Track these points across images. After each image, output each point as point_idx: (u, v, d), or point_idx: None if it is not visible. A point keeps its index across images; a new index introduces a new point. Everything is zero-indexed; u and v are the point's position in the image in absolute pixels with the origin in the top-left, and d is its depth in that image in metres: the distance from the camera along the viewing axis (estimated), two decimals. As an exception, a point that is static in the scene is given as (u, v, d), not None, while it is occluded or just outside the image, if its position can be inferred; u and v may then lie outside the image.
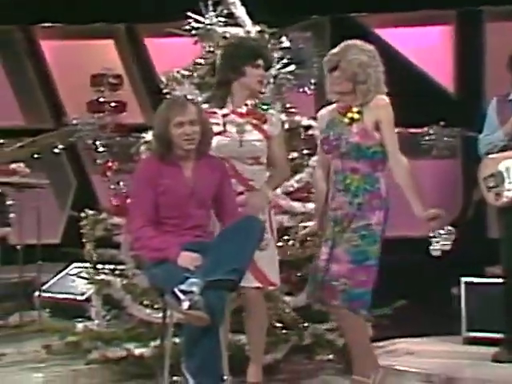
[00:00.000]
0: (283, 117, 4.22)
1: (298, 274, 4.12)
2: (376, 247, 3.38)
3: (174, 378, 3.49)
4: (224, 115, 3.54)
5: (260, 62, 3.53)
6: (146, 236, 3.23)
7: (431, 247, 3.29)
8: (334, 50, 3.45)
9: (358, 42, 3.46)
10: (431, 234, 3.29)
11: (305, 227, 3.71)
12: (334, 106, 3.52)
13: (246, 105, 3.56)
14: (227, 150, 3.48)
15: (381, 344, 4.38)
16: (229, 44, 3.83)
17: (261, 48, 3.64)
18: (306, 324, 3.98)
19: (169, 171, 3.31)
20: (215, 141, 3.44)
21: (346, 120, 3.42)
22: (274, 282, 3.55)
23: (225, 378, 3.24)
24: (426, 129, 6.75)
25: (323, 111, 3.57)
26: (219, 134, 3.47)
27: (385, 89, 3.46)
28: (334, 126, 3.47)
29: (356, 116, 3.41)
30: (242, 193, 3.48)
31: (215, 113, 3.54)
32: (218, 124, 3.49)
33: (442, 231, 3.28)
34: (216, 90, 3.67)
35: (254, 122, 3.54)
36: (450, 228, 3.29)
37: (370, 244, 3.37)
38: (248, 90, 3.56)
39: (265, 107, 3.61)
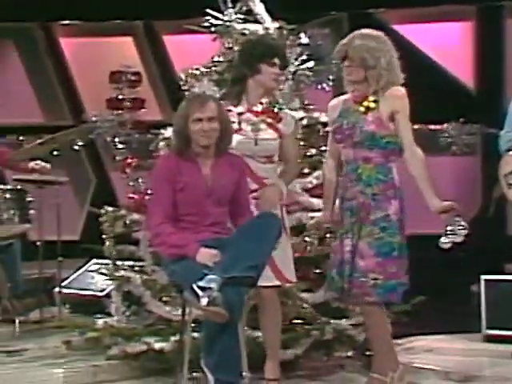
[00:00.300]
0: (301, 113, 4.23)
1: (317, 271, 4.12)
2: (398, 238, 3.37)
3: (194, 374, 3.50)
4: (239, 113, 3.55)
5: (276, 60, 3.54)
6: (165, 233, 3.25)
7: (441, 240, 3.27)
8: (343, 41, 3.46)
9: (365, 29, 3.46)
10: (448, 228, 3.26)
11: (312, 217, 3.70)
12: (347, 95, 3.51)
13: (261, 103, 3.57)
14: (242, 148, 3.49)
15: (399, 341, 4.36)
16: (246, 41, 3.84)
17: (278, 47, 3.64)
18: (326, 319, 3.97)
19: (187, 168, 3.31)
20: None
21: (362, 109, 3.42)
22: (289, 278, 3.57)
23: (244, 374, 3.25)
24: (445, 125, 6.73)
25: (335, 101, 3.56)
26: (235, 132, 3.48)
27: (400, 74, 3.44)
28: (348, 115, 3.46)
29: (372, 105, 3.40)
30: (255, 190, 3.50)
31: (230, 110, 3.54)
32: (233, 122, 3.50)
33: (454, 224, 3.26)
34: (231, 86, 3.68)
35: (269, 120, 3.56)
36: (462, 222, 3.26)
37: (391, 235, 3.36)
38: (263, 87, 3.56)
39: (279, 106, 3.62)
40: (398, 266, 3.37)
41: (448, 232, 3.27)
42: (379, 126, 3.39)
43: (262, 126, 3.54)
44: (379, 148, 3.40)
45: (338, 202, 3.51)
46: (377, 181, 3.39)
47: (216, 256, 3.15)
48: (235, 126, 3.50)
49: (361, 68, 3.40)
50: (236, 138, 3.47)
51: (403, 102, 3.41)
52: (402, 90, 3.43)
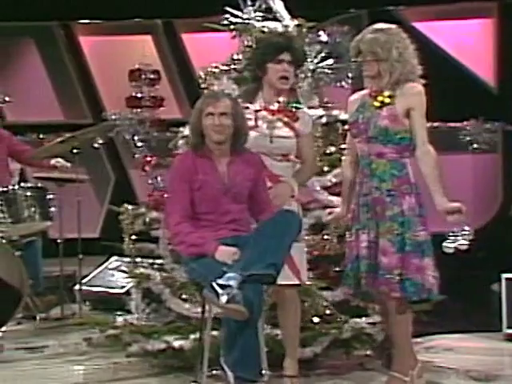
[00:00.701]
0: (321, 111, 4.22)
1: (336, 269, 4.11)
2: (415, 234, 3.35)
3: (213, 372, 3.50)
4: (256, 111, 3.55)
5: (283, 56, 3.51)
6: (183, 232, 3.26)
7: (445, 243, 3.25)
8: (357, 37, 3.46)
9: (377, 24, 3.47)
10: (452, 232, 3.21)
11: (330, 213, 3.71)
12: (366, 90, 3.51)
13: (279, 102, 3.57)
14: (257, 145, 3.50)
15: (420, 340, 4.35)
16: (257, 40, 3.82)
17: (285, 42, 3.57)
18: (345, 318, 3.97)
19: (203, 166, 3.33)
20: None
21: (377, 104, 3.41)
22: (303, 279, 3.58)
23: (263, 372, 3.26)
24: (465, 123, 6.69)
25: (355, 96, 3.57)
26: (250, 128, 3.48)
27: (417, 66, 3.43)
28: (365, 109, 3.46)
29: (387, 100, 3.40)
30: (270, 187, 3.50)
31: (247, 108, 3.55)
32: (249, 119, 3.50)
33: (458, 229, 3.23)
34: (249, 84, 3.70)
35: (285, 119, 3.56)
36: (467, 227, 3.24)
37: (406, 231, 3.35)
38: (273, 87, 3.56)
39: (296, 105, 3.61)
40: (423, 261, 3.35)
41: (451, 235, 3.24)
42: (393, 121, 3.39)
43: (278, 124, 3.54)
44: (393, 143, 3.40)
45: (354, 197, 3.51)
46: (391, 176, 3.39)
47: (235, 254, 3.16)
48: (251, 122, 3.51)
49: (374, 62, 3.40)
50: (252, 134, 3.48)
51: (420, 99, 3.39)
52: (420, 86, 3.42)
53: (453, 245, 3.23)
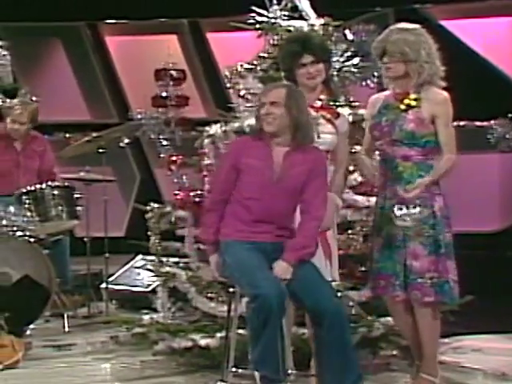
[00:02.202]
0: (347, 110, 4.20)
1: (362, 269, 4.09)
2: (446, 235, 3.35)
3: (240, 371, 3.50)
4: None
5: (305, 60, 3.49)
6: (207, 223, 3.29)
7: (396, 212, 3.26)
8: (379, 37, 3.42)
9: (400, 24, 3.44)
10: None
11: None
12: (388, 92, 3.48)
13: (320, 99, 3.56)
14: None
15: (447, 340, 4.32)
16: (279, 45, 3.78)
17: (301, 46, 3.51)
18: (372, 317, 3.95)
19: (258, 151, 3.25)
20: None
21: (403, 106, 3.38)
22: (334, 275, 3.56)
23: (289, 371, 3.25)
24: (493, 122, 6.62)
25: (375, 96, 3.54)
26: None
27: (441, 67, 3.40)
28: (388, 111, 3.43)
29: (413, 103, 3.37)
30: None
31: None
32: None
33: (411, 206, 3.24)
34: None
35: (328, 116, 3.55)
36: (420, 209, 3.24)
37: (440, 232, 3.34)
38: (305, 86, 3.54)
39: (337, 103, 3.62)
40: (445, 264, 3.34)
41: (403, 210, 3.25)
42: (419, 124, 3.36)
43: (321, 120, 3.53)
44: (418, 146, 3.38)
45: (374, 200, 3.49)
46: (419, 178, 3.36)
47: (290, 272, 3.17)
48: None
49: (401, 63, 3.37)
50: None
51: (445, 108, 3.37)
52: (445, 94, 3.40)
53: (401, 216, 3.25)
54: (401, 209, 3.26)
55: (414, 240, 3.34)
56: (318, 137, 3.48)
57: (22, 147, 5.32)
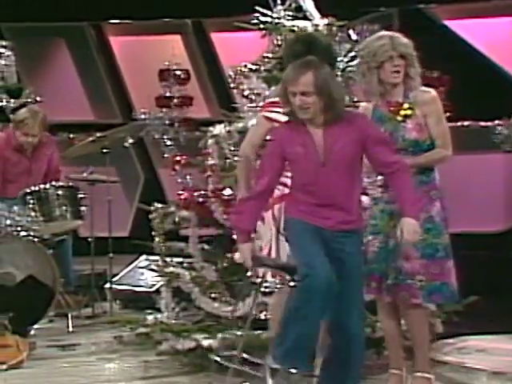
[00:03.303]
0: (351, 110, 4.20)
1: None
2: (442, 238, 3.37)
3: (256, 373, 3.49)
4: None
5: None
6: (244, 211, 3.27)
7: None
8: (382, 41, 3.40)
9: (379, 33, 3.49)
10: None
11: None
12: (374, 102, 3.46)
13: None
14: None
15: (451, 341, 4.32)
16: (285, 44, 3.76)
17: (304, 48, 3.39)
18: (375, 318, 3.95)
19: (300, 138, 3.19)
20: None
21: (400, 118, 3.40)
22: None
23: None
24: (498, 122, 6.60)
25: (364, 106, 3.54)
26: None
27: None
28: (384, 123, 3.43)
29: (409, 112, 3.40)
30: None
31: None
32: None
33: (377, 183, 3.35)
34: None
35: None
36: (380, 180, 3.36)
37: (435, 236, 3.36)
38: None
39: None
40: (443, 267, 3.37)
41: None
42: (420, 131, 3.40)
43: None
44: (422, 151, 3.41)
45: (369, 203, 3.49)
46: (421, 183, 3.38)
47: (419, 232, 3.15)
48: None
49: (403, 67, 3.38)
50: None
51: (434, 106, 3.41)
52: (433, 92, 3.42)
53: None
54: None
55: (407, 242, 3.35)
56: None
57: (32, 154, 5.30)
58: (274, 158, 3.23)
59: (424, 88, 3.45)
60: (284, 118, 3.45)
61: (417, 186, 3.35)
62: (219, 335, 3.90)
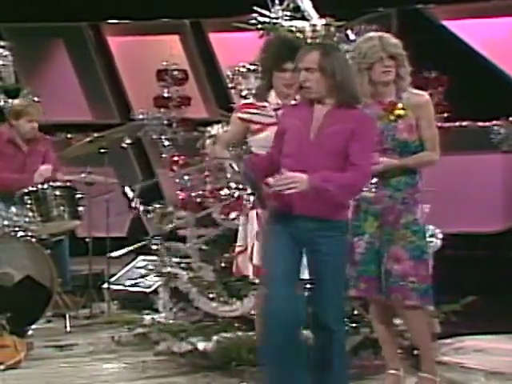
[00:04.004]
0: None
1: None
2: (426, 241, 3.43)
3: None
4: (275, 109, 3.56)
5: (287, 66, 3.48)
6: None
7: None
8: (373, 42, 3.41)
9: (369, 34, 3.51)
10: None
11: None
12: (368, 102, 3.46)
13: (295, 101, 3.57)
14: None
15: (449, 341, 4.32)
16: (265, 47, 3.77)
17: (290, 51, 3.47)
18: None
19: (301, 112, 3.16)
20: (272, 131, 3.41)
21: (392, 117, 3.42)
22: None
23: None
24: (496, 122, 6.61)
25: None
26: (274, 124, 3.48)
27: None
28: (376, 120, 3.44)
29: (402, 112, 3.42)
30: None
31: (265, 107, 3.57)
32: (271, 116, 3.53)
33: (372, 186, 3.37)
34: (261, 82, 3.71)
35: None
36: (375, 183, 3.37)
37: (421, 239, 3.39)
38: (280, 92, 3.55)
39: None
40: (427, 269, 3.41)
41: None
42: (410, 132, 3.42)
43: None
44: (409, 153, 3.43)
45: (354, 204, 3.50)
46: (406, 185, 3.42)
47: (304, 187, 2.97)
48: (273, 119, 3.52)
49: (393, 67, 3.40)
50: (273, 130, 3.47)
51: (427, 110, 3.43)
52: (426, 95, 3.44)
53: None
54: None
55: (396, 244, 3.37)
56: None
57: (28, 149, 5.32)
58: (277, 134, 3.23)
59: (417, 91, 3.48)
60: (259, 119, 3.49)
61: (402, 187, 3.38)
62: (214, 338, 3.89)
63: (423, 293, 3.36)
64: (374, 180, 3.39)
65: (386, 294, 3.39)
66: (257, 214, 3.53)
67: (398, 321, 3.79)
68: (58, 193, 5.03)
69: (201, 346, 3.92)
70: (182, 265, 4.38)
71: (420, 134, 3.42)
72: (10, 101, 6.23)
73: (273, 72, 3.54)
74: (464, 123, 6.32)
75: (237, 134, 3.64)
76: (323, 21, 4.29)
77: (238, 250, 3.61)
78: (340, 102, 3.11)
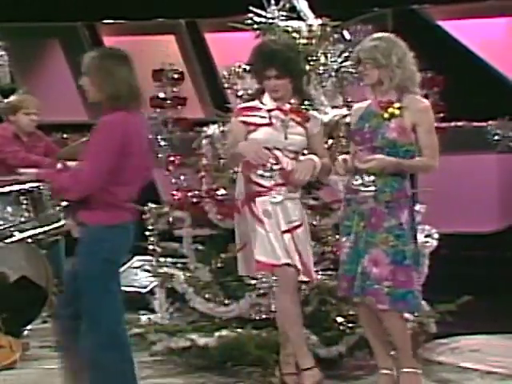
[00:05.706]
0: (345, 111, 4.21)
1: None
2: (410, 246, 3.41)
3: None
4: (269, 110, 3.59)
5: (268, 73, 3.54)
6: None
7: (354, 182, 3.41)
8: (356, 48, 3.50)
9: (376, 34, 3.52)
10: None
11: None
12: (370, 101, 3.52)
13: (290, 103, 3.61)
14: (273, 141, 3.55)
15: (445, 341, 4.32)
16: (252, 53, 3.77)
17: (270, 56, 3.55)
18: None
19: None
20: (262, 131, 3.52)
21: (386, 115, 3.43)
22: (313, 276, 3.62)
23: None
24: (491, 122, 6.62)
25: (358, 105, 3.61)
26: (266, 125, 3.54)
27: (417, 73, 3.46)
28: (370, 118, 3.48)
29: (397, 112, 3.43)
30: (283, 184, 3.51)
31: (260, 108, 3.60)
32: (264, 117, 3.57)
33: (369, 177, 3.36)
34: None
35: (297, 119, 3.61)
36: (373, 179, 3.36)
37: (404, 244, 3.39)
38: (269, 95, 3.60)
39: (307, 107, 3.70)
40: (409, 274, 3.39)
41: (361, 181, 3.38)
42: (401, 134, 3.42)
43: (291, 123, 3.59)
44: (398, 156, 3.42)
45: (344, 203, 3.50)
46: (391, 188, 3.41)
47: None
48: (266, 120, 3.56)
49: (374, 69, 3.43)
50: (268, 130, 3.54)
51: (426, 116, 3.44)
52: (427, 102, 3.46)
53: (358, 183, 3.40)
54: (357, 180, 3.37)
55: (377, 247, 3.38)
56: (286, 138, 3.55)
57: (28, 144, 5.36)
58: None
59: (419, 97, 3.49)
60: (254, 120, 3.51)
61: (387, 189, 3.39)
62: (216, 334, 3.89)
63: (399, 298, 3.35)
64: (372, 178, 3.38)
65: (362, 295, 3.41)
66: (249, 208, 3.54)
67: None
68: (53, 193, 5.03)
69: (201, 341, 3.91)
70: (179, 265, 4.38)
71: (417, 140, 3.42)
72: (5, 101, 6.23)
73: (262, 81, 3.60)
74: (460, 123, 6.33)
75: (239, 136, 3.64)
76: (319, 21, 4.30)
77: (237, 247, 3.64)
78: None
